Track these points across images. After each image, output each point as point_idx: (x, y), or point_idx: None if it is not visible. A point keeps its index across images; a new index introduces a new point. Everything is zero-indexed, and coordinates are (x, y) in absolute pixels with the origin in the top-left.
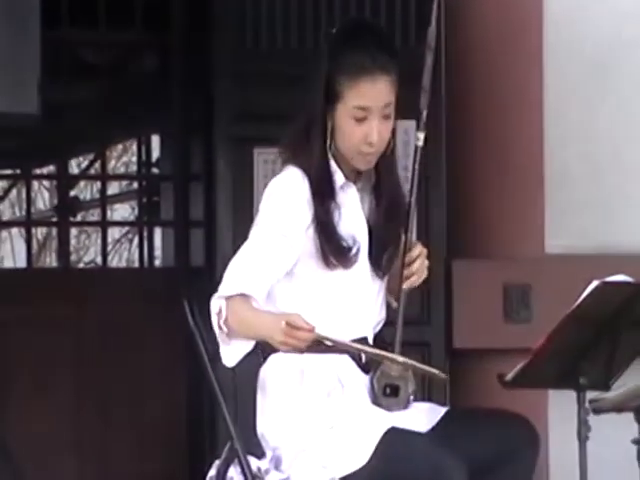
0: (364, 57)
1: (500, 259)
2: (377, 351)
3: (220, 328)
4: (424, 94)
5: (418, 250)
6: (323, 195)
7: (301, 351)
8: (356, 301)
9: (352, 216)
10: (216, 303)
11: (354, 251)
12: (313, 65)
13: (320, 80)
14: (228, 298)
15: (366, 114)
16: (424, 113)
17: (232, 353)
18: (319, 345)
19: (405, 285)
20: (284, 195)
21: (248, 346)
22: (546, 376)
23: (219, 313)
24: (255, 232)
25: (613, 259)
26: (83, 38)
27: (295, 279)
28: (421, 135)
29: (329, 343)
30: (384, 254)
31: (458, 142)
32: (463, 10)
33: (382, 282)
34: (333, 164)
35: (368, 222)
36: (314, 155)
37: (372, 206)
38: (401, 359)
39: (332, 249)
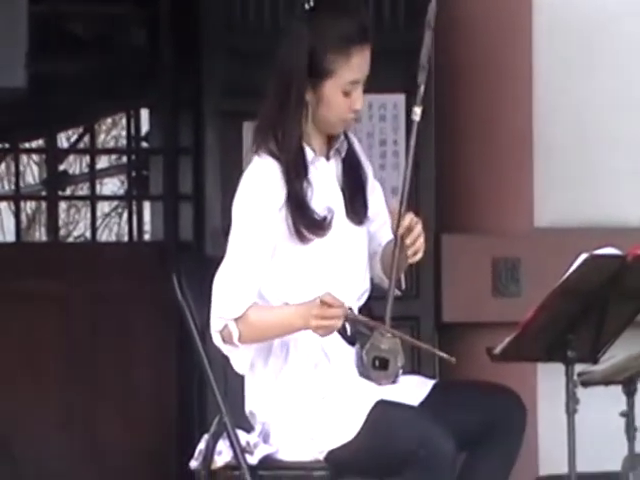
0: (352, 27)
1: (489, 233)
2: (405, 336)
3: (231, 344)
4: (422, 70)
5: (408, 219)
6: (294, 176)
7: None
8: (335, 266)
9: (325, 188)
10: (218, 321)
11: (328, 220)
12: (288, 40)
13: (302, 57)
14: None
15: (355, 86)
16: (421, 88)
17: (243, 358)
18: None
19: (409, 260)
20: (256, 189)
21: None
22: (534, 349)
23: (222, 330)
24: (235, 237)
25: (602, 232)
26: (71, 11)
27: (274, 259)
28: (418, 110)
29: (359, 319)
30: (356, 202)
31: (447, 116)
32: None
33: (362, 247)
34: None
35: (342, 189)
36: (289, 133)
37: (342, 173)
38: (424, 346)
39: (305, 224)
